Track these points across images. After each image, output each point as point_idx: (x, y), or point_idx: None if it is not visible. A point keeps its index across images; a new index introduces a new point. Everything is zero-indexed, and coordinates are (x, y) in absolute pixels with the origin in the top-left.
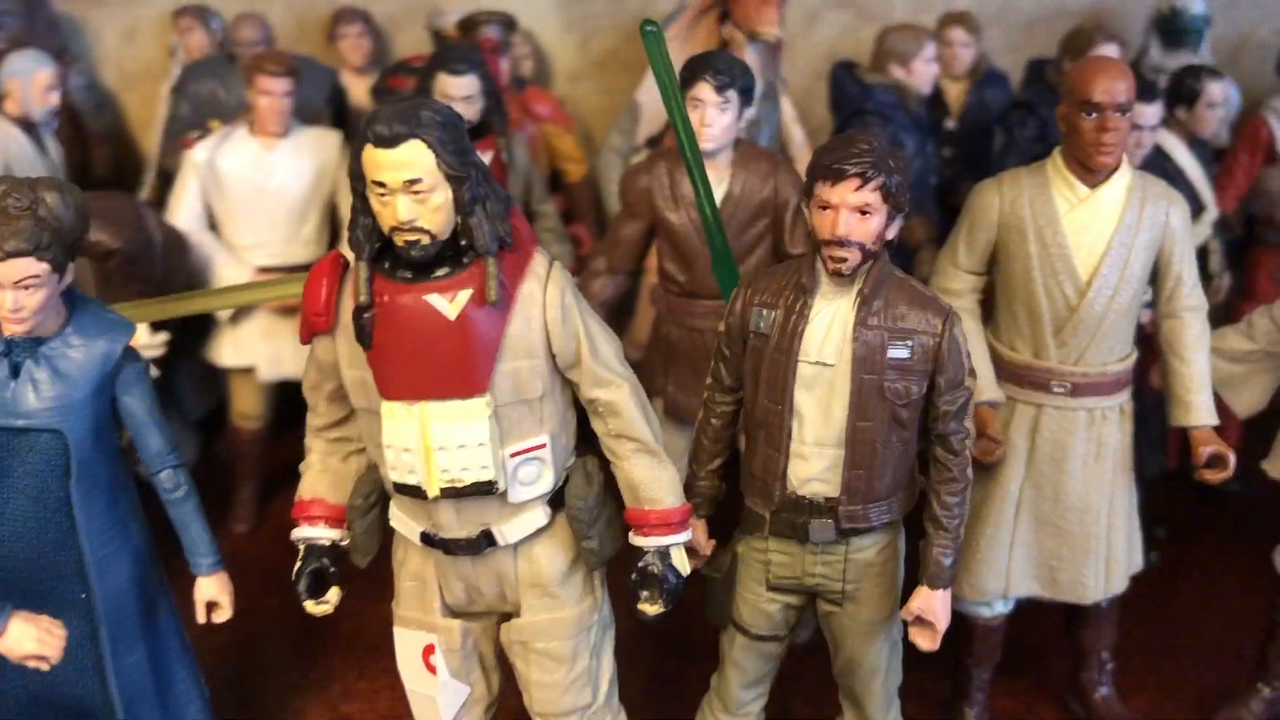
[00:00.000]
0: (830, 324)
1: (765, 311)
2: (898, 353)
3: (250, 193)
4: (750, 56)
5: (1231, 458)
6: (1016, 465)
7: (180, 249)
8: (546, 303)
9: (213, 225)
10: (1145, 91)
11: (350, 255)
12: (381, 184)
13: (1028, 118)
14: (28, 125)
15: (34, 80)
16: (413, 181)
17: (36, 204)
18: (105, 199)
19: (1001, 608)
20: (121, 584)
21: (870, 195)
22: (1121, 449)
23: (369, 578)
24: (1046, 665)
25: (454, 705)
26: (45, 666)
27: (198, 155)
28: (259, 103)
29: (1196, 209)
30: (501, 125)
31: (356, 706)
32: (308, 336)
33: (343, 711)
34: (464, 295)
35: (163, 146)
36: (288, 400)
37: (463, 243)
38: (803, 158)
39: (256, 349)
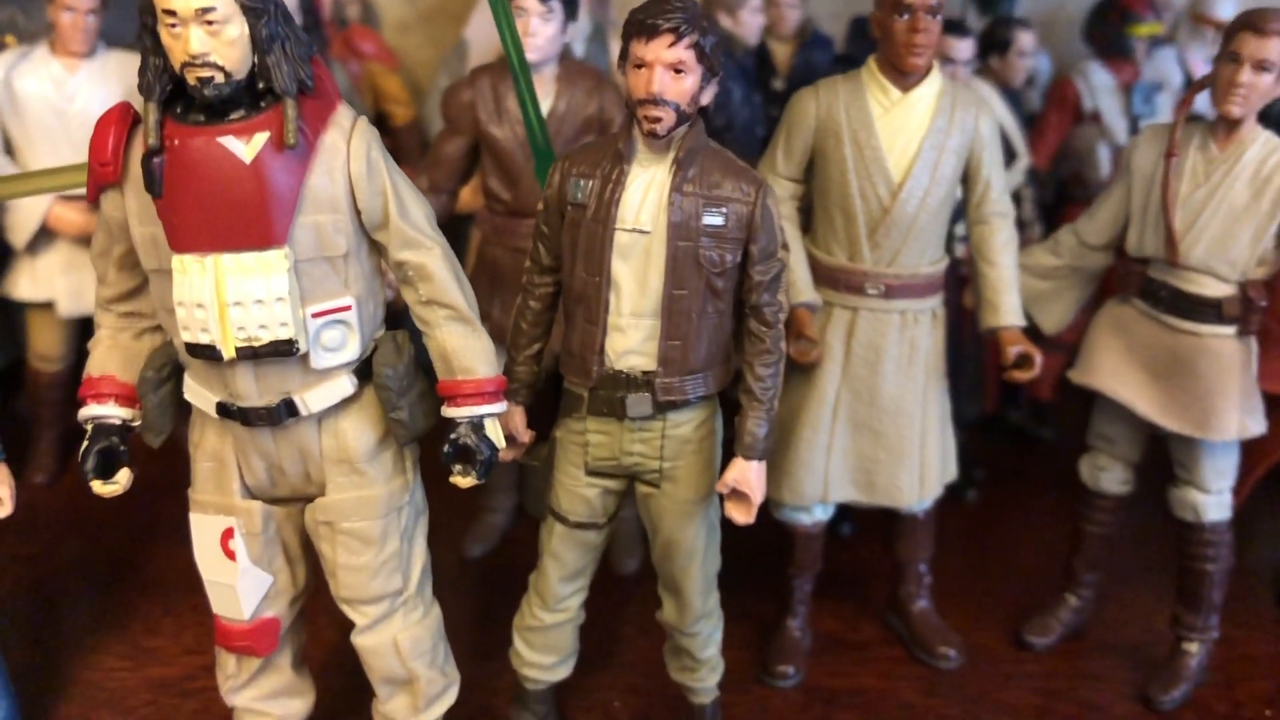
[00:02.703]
0: (646, 190)
1: (583, 181)
2: (712, 219)
3: (51, 116)
4: None
5: (1038, 357)
6: (833, 368)
7: None
8: (350, 154)
9: (9, 150)
10: (957, 28)
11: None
12: (172, 13)
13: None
14: None
15: None
16: (205, 10)
17: None
18: None
19: (820, 514)
20: None
21: (684, 52)
22: (934, 352)
23: (175, 523)
24: (869, 590)
25: (255, 595)
26: None
27: None
28: (61, 19)
29: (1010, 156)
30: (319, 46)
31: (161, 641)
32: (95, 193)
33: (145, 646)
34: (260, 138)
35: None
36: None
37: (260, 85)
38: None
39: (56, 282)
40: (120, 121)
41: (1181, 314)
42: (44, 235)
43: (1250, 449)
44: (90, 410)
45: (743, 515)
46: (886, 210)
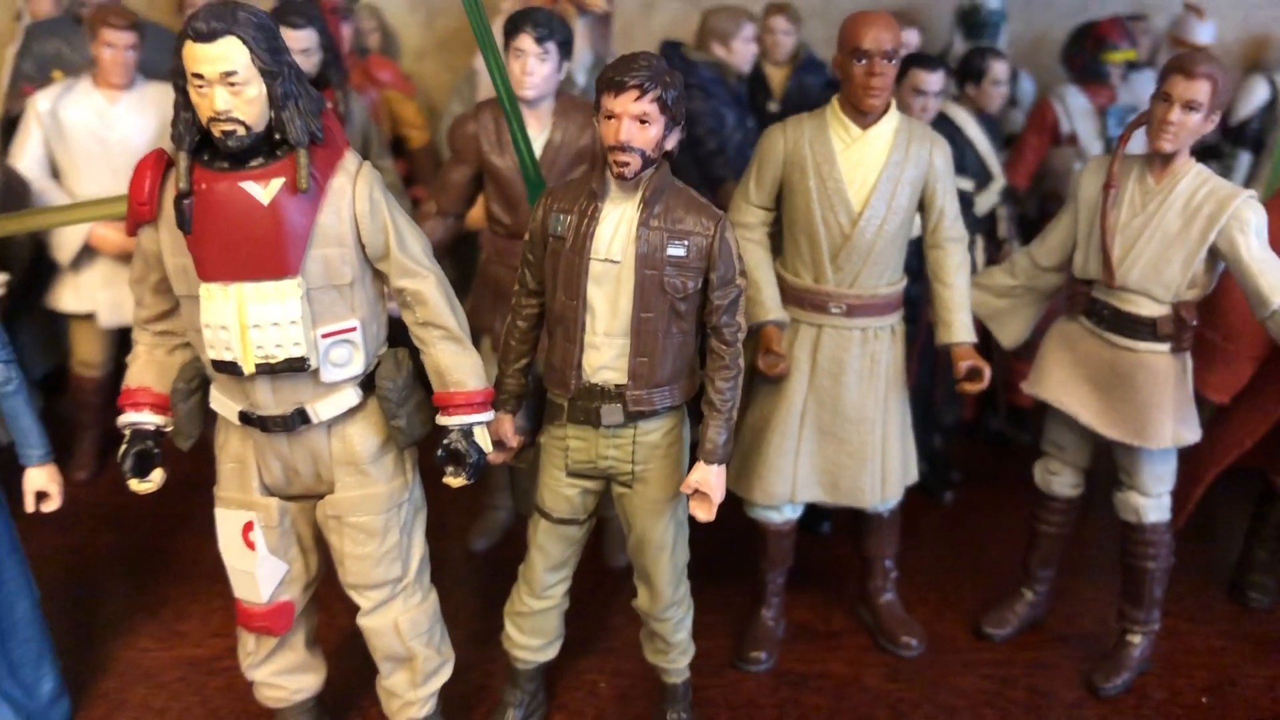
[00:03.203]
0: (617, 225)
1: (562, 216)
2: (675, 251)
3: (93, 143)
4: (580, 28)
5: (987, 371)
6: (800, 380)
7: (21, 193)
8: (355, 196)
9: (55, 175)
10: (929, 62)
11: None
12: (200, 76)
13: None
14: None
15: None
16: (228, 74)
17: None
18: None
19: (790, 513)
20: None
21: (648, 105)
22: (893, 366)
23: (205, 518)
24: (842, 584)
25: (272, 581)
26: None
27: (40, 104)
28: (103, 55)
29: (985, 178)
30: (339, 79)
31: (190, 625)
32: (133, 228)
33: (176, 629)
34: (277, 183)
35: (5, 99)
36: (129, 350)
37: (277, 136)
38: None
39: (97, 295)
40: (155, 166)
41: (1120, 331)
42: (86, 253)
43: (1200, 457)
44: (128, 417)
45: (704, 513)
46: (847, 237)
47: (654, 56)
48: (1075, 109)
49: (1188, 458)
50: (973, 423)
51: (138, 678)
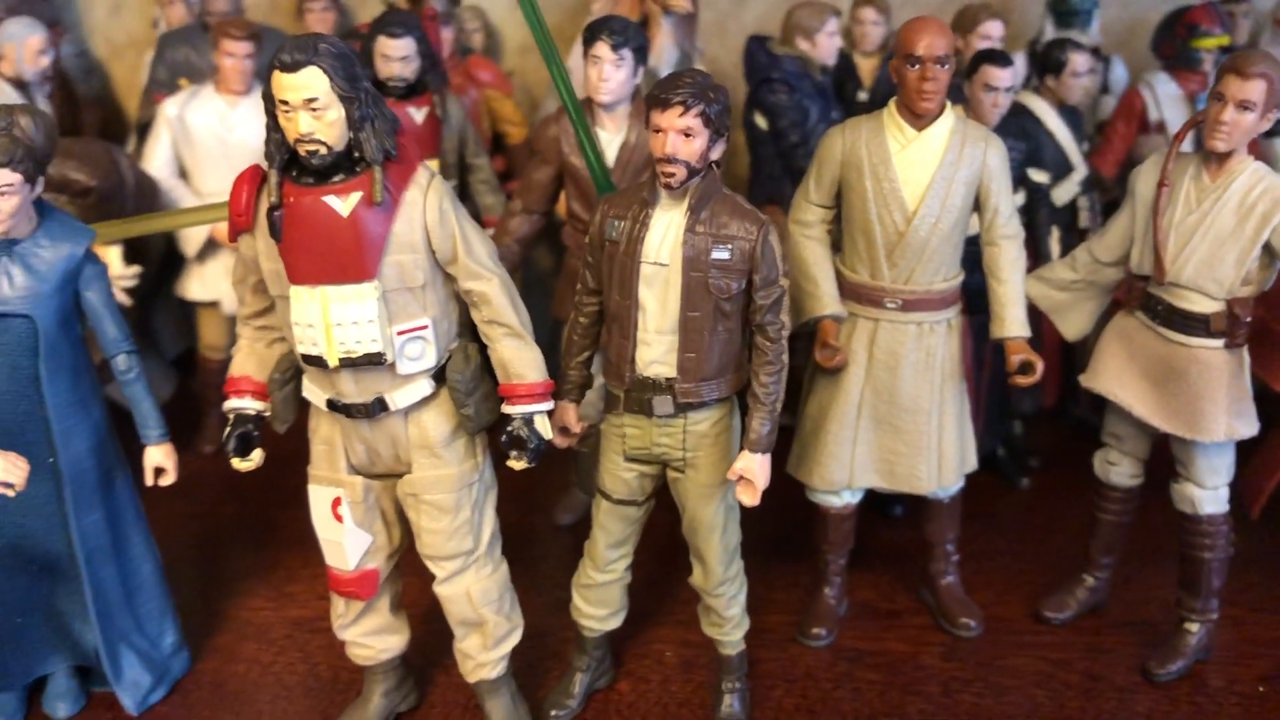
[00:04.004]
0: (666, 231)
1: (617, 222)
2: (720, 254)
3: (215, 144)
4: (665, 27)
5: (1040, 364)
6: (857, 372)
7: (151, 192)
8: (426, 207)
9: (182, 174)
10: (1000, 58)
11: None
12: (286, 102)
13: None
14: (20, 85)
15: (26, 44)
16: (311, 100)
17: (11, 125)
18: (84, 143)
19: (849, 498)
20: (82, 451)
21: (692, 120)
22: (949, 358)
23: None
24: (907, 565)
25: (358, 551)
26: (10, 493)
27: (169, 110)
28: (224, 63)
29: (1064, 169)
30: (437, 84)
31: (299, 587)
32: (234, 235)
33: (286, 590)
34: (355, 197)
35: (140, 105)
36: None
37: (355, 154)
38: None
39: (221, 284)
40: (251, 181)
41: (1175, 327)
42: (210, 246)
43: (1274, 448)
44: (231, 403)
45: (749, 498)
46: (902, 235)
47: (699, 73)
48: (1164, 96)
49: (1262, 449)
50: (1055, 409)
51: (249, 634)
